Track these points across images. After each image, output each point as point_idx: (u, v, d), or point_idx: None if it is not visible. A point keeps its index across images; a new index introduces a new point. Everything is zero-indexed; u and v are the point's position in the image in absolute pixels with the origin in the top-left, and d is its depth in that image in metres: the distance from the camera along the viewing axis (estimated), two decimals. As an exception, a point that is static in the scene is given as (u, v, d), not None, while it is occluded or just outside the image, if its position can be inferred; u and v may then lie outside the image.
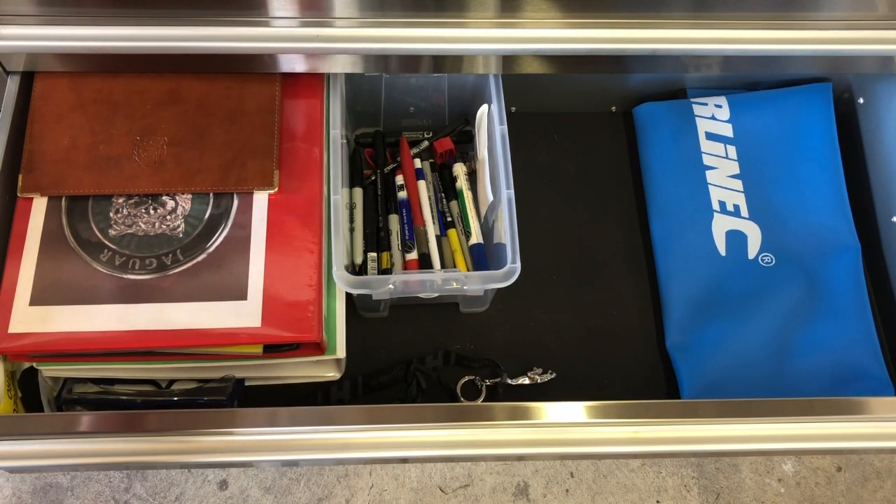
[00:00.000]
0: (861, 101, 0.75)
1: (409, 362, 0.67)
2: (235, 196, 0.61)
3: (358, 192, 0.69)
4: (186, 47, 0.59)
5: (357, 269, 0.66)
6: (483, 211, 0.68)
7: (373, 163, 0.72)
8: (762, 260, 0.71)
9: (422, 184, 0.70)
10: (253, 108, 0.63)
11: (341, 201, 0.60)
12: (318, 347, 0.59)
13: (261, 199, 0.61)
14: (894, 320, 0.69)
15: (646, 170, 0.76)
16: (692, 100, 0.78)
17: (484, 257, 0.67)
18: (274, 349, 0.59)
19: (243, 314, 0.56)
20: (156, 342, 0.56)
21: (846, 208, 0.72)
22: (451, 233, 0.69)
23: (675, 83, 0.79)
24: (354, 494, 0.71)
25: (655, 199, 0.74)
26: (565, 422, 0.53)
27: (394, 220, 0.68)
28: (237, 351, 0.59)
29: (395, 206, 0.69)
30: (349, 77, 0.68)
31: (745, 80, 0.78)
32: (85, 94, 0.62)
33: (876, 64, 0.66)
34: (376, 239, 0.67)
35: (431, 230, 0.68)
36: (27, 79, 0.62)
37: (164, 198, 0.61)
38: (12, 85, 0.62)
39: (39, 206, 0.60)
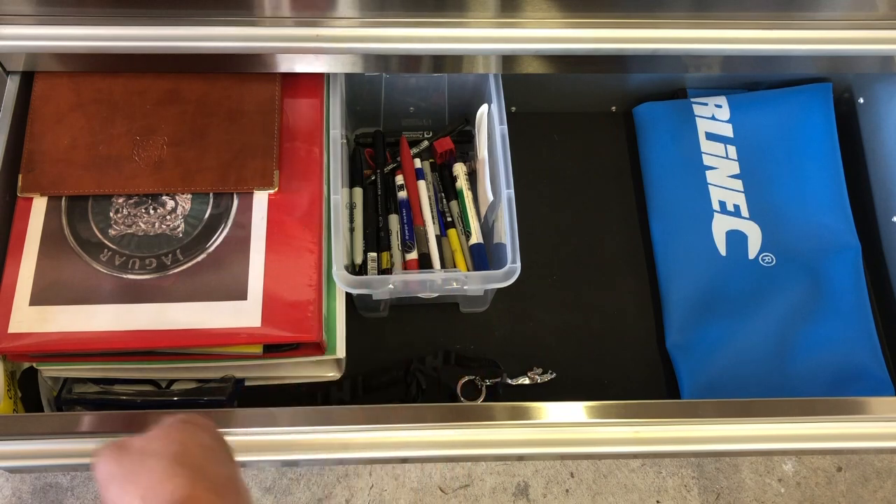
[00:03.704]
0: (861, 101, 0.75)
1: (409, 362, 0.67)
2: (235, 196, 0.61)
3: (358, 192, 0.69)
4: (186, 47, 0.59)
5: (357, 269, 0.66)
6: (483, 211, 0.68)
7: (373, 163, 0.72)
8: (762, 260, 0.71)
9: (422, 184, 0.70)
10: (253, 108, 0.63)
11: (341, 201, 0.60)
12: (318, 347, 0.59)
13: (261, 199, 0.61)
14: (894, 320, 0.69)
15: (646, 170, 0.76)
16: (692, 100, 0.78)
17: (484, 257, 0.67)
18: (274, 349, 0.59)
19: (243, 314, 0.56)
20: (156, 342, 0.55)
21: (846, 208, 0.72)
22: (451, 233, 0.69)
23: (675, 83, 0.79)
24: (354, 494, 0.71)
25: (655, 199, 0.74)
26: (565, 422, 0.53)
27: (394, 220, 0.68)
28: (237, 351, 0.59)
29: (395, 206, 0.69)
30: (349, 77, 0.68)
31: (745, 80, 0.78)
32: (85, 94, 0.62)
33: (876, 64, 0.66)
34: (376, 239, 0.67)
35: (431, 230, 0.68)
36: (27, 79, 0.62)
37: (163, 198, 0.60)
38: (12, 85, 0.62)
39: (39, 205, 0.59)
